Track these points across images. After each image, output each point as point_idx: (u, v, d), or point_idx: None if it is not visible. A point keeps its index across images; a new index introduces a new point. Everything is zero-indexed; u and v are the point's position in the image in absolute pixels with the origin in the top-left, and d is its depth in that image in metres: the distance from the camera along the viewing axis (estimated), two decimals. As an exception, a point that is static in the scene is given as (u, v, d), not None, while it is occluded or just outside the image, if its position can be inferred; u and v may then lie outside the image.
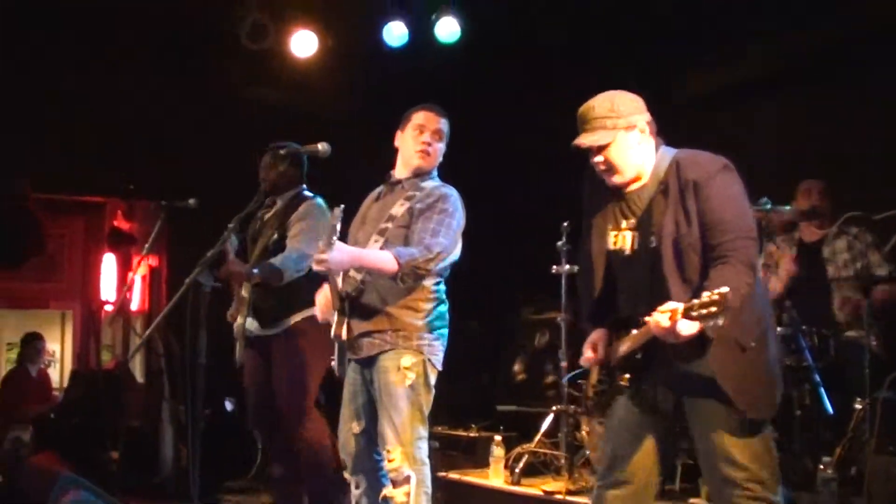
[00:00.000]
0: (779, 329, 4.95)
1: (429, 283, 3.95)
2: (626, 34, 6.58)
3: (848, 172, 5.76)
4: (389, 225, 3.95)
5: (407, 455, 3.86)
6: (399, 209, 3.95)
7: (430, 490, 3.97)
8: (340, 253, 3.69)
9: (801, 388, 4.82)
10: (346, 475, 4.13)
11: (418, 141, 4.01)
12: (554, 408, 5.52)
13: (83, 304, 8.29)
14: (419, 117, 4.04)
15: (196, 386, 4.72)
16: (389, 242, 3.90)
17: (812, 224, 5.42)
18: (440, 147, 4.04)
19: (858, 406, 4.59)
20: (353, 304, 3.97)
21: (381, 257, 3.78)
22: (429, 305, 3.97)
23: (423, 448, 3.95)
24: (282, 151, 5.19)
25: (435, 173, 4.10)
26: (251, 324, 4.93)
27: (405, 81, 6.87)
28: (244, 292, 5.03)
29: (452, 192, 3.98)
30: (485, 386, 6.44)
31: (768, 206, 4.41)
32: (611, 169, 3.13)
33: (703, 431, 3.22)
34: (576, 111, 3.17)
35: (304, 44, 6.81)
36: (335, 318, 3.99)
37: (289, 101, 7.17)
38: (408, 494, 3.85)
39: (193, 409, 4.64)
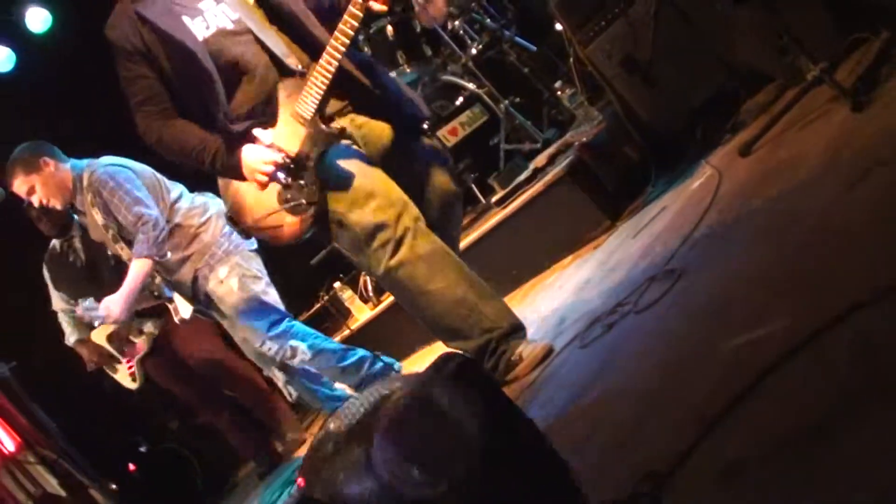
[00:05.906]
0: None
1: (177, 220, 4.15)
2: None
3: None
4: (110, 233, 4.11)
5: (273, 336, 4.09)
6: (100, 219, 4.11)
7: (307, 338, 4.16)
8: (115, 305, 3.96)
9: (506, 51, 5.05)
10: (268, 374, 4.39)
11: None
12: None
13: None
14: None
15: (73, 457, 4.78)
16: (124, 239, 4.12)
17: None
18: (40, 192, 4.18)
19: (559, 27, 4.87)
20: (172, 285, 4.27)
21: (138, 272, 4.00)
22: (194, 223, 4.16)
23: (281, 324, 4.16)
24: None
25: (73, 167, 4.23)
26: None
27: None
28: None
29: (96, 172, 4.13)
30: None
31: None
32: None
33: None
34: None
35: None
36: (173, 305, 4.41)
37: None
38: (293, 348, 4.09)
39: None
